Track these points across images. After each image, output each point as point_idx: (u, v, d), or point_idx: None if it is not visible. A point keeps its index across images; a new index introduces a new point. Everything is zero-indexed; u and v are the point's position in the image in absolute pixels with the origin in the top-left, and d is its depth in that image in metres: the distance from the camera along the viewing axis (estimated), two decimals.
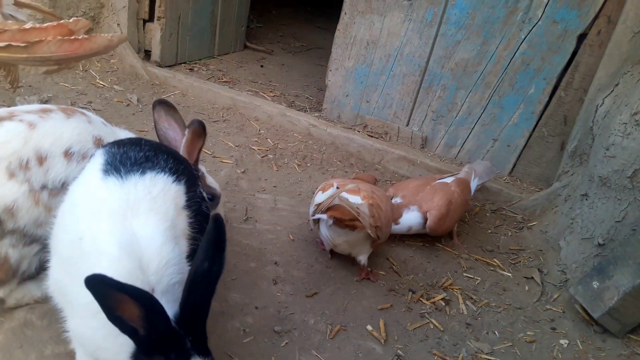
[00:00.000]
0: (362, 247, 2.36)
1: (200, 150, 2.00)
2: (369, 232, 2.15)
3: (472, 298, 2.43)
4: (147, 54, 4.63)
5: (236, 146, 3.49)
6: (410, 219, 2.64)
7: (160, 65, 4.55)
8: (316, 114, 4.15)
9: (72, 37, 2.10)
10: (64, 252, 1.47)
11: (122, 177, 1.47)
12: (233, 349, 1.89)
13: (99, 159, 1.56)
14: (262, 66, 5.49)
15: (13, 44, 1.97)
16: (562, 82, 3.17)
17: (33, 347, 1.73)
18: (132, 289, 1.13)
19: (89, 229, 1.38)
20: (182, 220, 1.55)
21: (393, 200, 2.73)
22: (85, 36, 2.14)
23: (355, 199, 2.20)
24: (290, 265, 2.41)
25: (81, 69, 4.15)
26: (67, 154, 1.80)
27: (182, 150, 1.98)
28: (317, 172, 3.40)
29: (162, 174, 1.55)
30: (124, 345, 1.28)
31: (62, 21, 2.12)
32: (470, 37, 3.33)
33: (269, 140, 3.70)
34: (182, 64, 4.88)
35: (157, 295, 1.25)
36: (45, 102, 3.49)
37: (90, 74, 4.13)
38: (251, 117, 4.01)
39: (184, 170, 1.66)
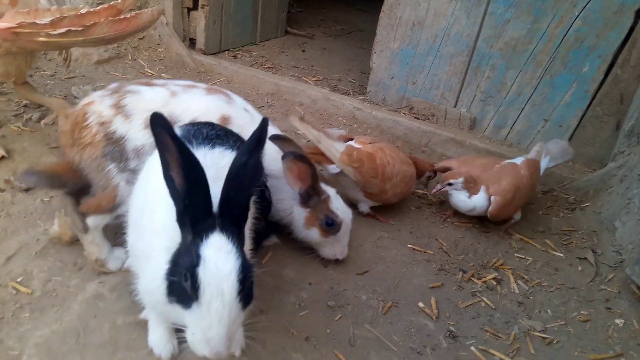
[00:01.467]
0: (355, 193, 2.62)
1: (311, 175, 2.14)
2: (340, 166, 2.49)
3: (523, 278, 2.41)
4: (192, 42, 4.73)
5: (282, 130, 3.52)
6: (478, 199, 2.59)
7: (205, 53, 4.64)
8: (360, 97, 4.15)
9: (121, 17, 2.23)
10: (134, 214, 1.60)
11: (193, 147, 1.56)
12: (290, 321, 1.95)
13: None
14: (303, 51, 5.52)
15: (72, 29, 2.10)
16: (618, 59, 3.07)
17: (106, 318, 1.84)
18: (178, 139, 1.23)
19: (154, 185, 1.49)
20: None
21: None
22: (132, 14, 2.27)
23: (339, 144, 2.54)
24: None
25: (130, 58, 4.28)
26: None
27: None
28: None
29: (230, 150, 1.64)
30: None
31: (111, 2, 2.26)
32: (520, 15, 3.26)
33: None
34: (226, 51, 4.96)
35: None
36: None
37: (139, 63, 4.25)
38: (295, 102, 4.05)
39: None
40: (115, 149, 1.98)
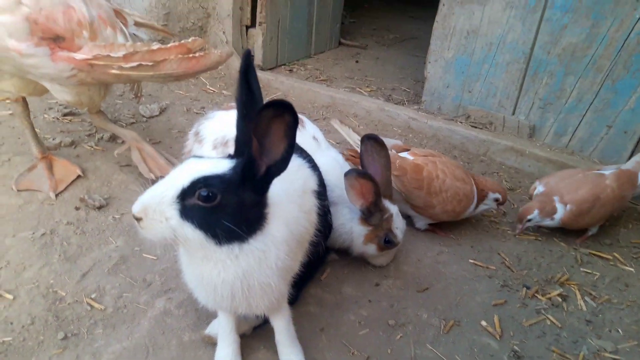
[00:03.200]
0: (402, 205, 2.51)
1: (374, 192, 2.11)
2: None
3: (591, 294, 2.33)
4: None
5: (337, 143, 3.56)
6: (559, 215, 2.55)
7: (262, 69, 4.74)
8: (415, 107, 4.13)
9: (190, 55, 2.30)
10: None
11: None
12: (350, 340, 1.96)
13: None
14: (357, 61, 5.54)
15: (143, 63, 2.19)
16: None
17: (173, 334, 1.91)
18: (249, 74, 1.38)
19: None
20: (308, 202, 1.74)
21: (536, 191, 2.69)
22: (201, 54, 2.33)
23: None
24: (399, 260, 2.44)
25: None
26: None
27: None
28: None
29: (301, 159, 1.82)
30: None
31: (182, 41, 2.31)
32: (578, 20, 3.17)
33: None
34: (282, 66, 5.05)
35: None
36: (164, 109, 3.77)
37: (201, 81, 4.40)
38: (350, 114, 4.08)
39: (319, 174, 1.93)
40: None
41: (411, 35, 6.78)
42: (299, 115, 2.35)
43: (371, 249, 2.25)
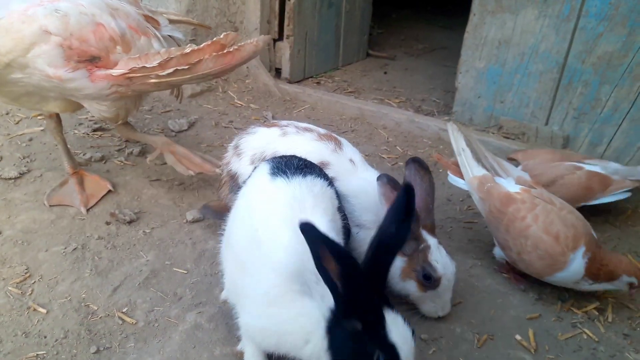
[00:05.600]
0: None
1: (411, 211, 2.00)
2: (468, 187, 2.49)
3: (628, 307, 2.25)
4: (277, 72, 4.87)
5: (366, 155, 3.52)
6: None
7: (290, 82, 4.76)
8: (446, 118, 4.08)
9: (225, 51, 2.27)
10: (237, 247, 1.65)
11: (288, 177, 1.65)
12: None
13: (264, 167, 1.77)
14: (385, 73, 5.50)
15: (179, 68, 2.19)
16: None
17: (204, 348, 1.91)
18: (332, 244, 1.23)
19: (264, 221, 1.56)
20: (339, 220, 1.75)
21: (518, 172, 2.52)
22: (235, 47, 2.31)
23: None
24: None
25: (221, 90, 4.48)
26: None
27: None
28: None
29: (319, 178, 1.75)
30: (308, 324, 1.38)
31: (215, 39, 2.30)
32: (613, 28, 3.10)
33: (398, 147, 3.71)
34: (310, 78, 5.06)
35: None
36: (193, 123, 3.81)
37: (229, 95, 4.44)
38: (379, 126, 4.06)
39: (334, 186, 1.89)
40: (234, 184, 2.28)
41: (440, 45, 6.70)
42: (339, 138, 2.35)
43: (412, 286, 2.04)
